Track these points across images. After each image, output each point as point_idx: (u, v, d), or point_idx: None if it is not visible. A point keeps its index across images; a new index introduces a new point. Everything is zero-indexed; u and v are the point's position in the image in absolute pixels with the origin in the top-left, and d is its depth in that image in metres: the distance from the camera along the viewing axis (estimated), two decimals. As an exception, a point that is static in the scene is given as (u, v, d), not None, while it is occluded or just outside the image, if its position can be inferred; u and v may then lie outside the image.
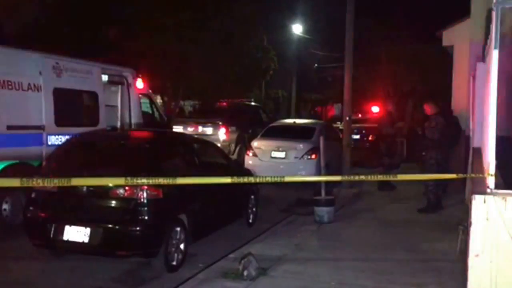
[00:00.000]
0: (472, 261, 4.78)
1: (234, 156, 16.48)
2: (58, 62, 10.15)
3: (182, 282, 6.50)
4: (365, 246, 8.25)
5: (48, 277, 6.94)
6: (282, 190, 12.76)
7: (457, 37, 14.56)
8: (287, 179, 5.57)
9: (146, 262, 7.20)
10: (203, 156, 8.66)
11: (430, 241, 8.47)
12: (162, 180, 5.41)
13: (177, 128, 16.43)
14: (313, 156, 13.67)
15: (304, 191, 12.57)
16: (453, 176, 6.61)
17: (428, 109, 10.76)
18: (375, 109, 27.66)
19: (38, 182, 5.74)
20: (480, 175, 5.23)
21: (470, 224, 4.82)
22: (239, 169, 11.11)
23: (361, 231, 9.36)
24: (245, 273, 6.45)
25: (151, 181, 5.67)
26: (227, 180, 5.41)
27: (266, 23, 26.92)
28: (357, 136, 25.11)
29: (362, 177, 6.10)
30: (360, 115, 29.74)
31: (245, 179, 5.65)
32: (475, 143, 9.35)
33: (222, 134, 17.16)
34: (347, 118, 15.01)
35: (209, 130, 17.31)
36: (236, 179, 5.36)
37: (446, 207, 10.79)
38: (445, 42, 15.37)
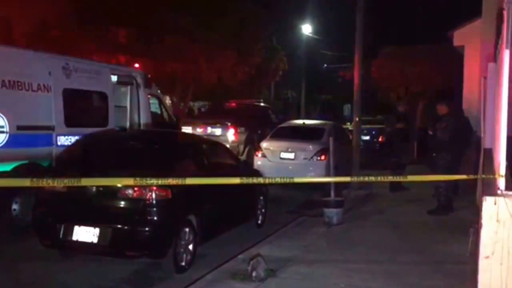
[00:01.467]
0: (482, 262, 4.74)
1: (243, 157, 16.44)
2: (67, 62, 10.16)
3: (190, 283, 6.49)
4: (374, 248, 8.20)
5: (57, 277, 6.95)
6: (290, 191, 12.72)
7: (468, 37, 14.46)
8: (297, 180, 5.54)
9: (155, 263, 7.20)
10: (212, 157, 8.64)
11: (440, 243, 8.41)
12: (171, 181, 5.38)
13: (186, 129, 16.40)
14: (322, 157, 13.63)
15: (313, 193, 12.53)
16: (464, 177, 6.57)
17: (441, 109, 10.66)
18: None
19: (48, 182, 5.74)
20: (491, 176, 5.19)
21: (481, 225, 4.78)
22: (248, 170, 11.09)
23: (371, 232, 9.30)
24: (254, 274, 6.44)
25: (160, 181, 5.63)
26: (236, 180, 5.38)
27: (276, 23, 26.90)
28: (367, 137, 24.99)
29: (372, 178, 6.05)
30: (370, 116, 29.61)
31: (255, 180, 5.63)
32: (486, 144, 9.27)
33: (231, 135, 17.09)
34: (357, 119, 14.94)
35: (218, 131, 17.24)
36: (245, 180, 5.34)
37: (456, 209, 10.70)
38: (456, 42, 15.27)
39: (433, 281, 6.60)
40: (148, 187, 6.59)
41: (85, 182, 5.83)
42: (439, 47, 22.91)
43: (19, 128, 8.97)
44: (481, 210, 4.80)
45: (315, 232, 9.16)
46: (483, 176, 5.70)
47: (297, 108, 38.10)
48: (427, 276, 6.77)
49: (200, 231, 7.45)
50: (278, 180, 5.28)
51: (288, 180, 5.29)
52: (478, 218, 5.08)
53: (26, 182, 4.95)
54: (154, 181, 5.68)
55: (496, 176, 4.90)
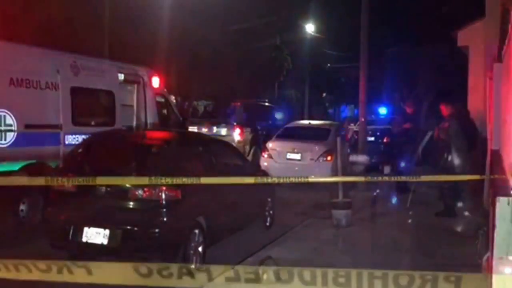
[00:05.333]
0: (496, 264, 4.71)
1: (249, 157, 16.41)
2: (75, 60, 10.11)
3: (199, 285, 6.44)
4: (383, 250, 8.14)
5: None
6: (297, 193, 12.62)
7: (473, 37, 14.41)
8: (311, 179, 5.48)
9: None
10: (220, 156, 8.57)
11: (448, 245, 8.36)
12: (186, 180, 5.31)
13: (192, 129, 16.37)
14: (329, 158, 13.59)
15: (318, 194, 12.44)
16: (476, 177, 6.53)
17: (445, 110, 10.59)
18: (386, 110, 27.56)
19: (63, 181, 5.70)
20: (503, 176, 5.16)
21: (494, 226, 4.75)
22: (256, 170, 11.01)
23: (380, 235, 9.20)
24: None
25: (175, 180, 5.56)
26: (250, 180, 5.33)
27: (280, 22, 26.87)
28: (372, 138, 24.93)
29: (386, 178, 6.03)
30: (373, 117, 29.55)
31: (269, 180, 5.58)
32: (493, 145, 9.23)
33: (236, 135, 17.02)
34: (362, 120, 14.91)
35: (223, 131, 17.17)
36: (259, 179, 5.28)
37: (463, 211, 10.62)
38: (461, 42, 15.23)
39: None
40: (158, 188, 6.54)
41: (100, 181, 5.77)
42: (443, 47, 22.90)
43: (27, 126, 8.91)
44: (491, 211, 4.77)
45: (324, 234, 9.11)
46: (496, 176, 5.67)
47: (300, 108, 37.99)
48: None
49: (209, 233, 7.38)
50: (292, 179, 5.16)
51: (302, 180, 5.21)
52: (487, 219, 5.05)
53: (41, 181, 4.94)
54: (169, 180, 5.59)
55: (509, 176, 4.88)
